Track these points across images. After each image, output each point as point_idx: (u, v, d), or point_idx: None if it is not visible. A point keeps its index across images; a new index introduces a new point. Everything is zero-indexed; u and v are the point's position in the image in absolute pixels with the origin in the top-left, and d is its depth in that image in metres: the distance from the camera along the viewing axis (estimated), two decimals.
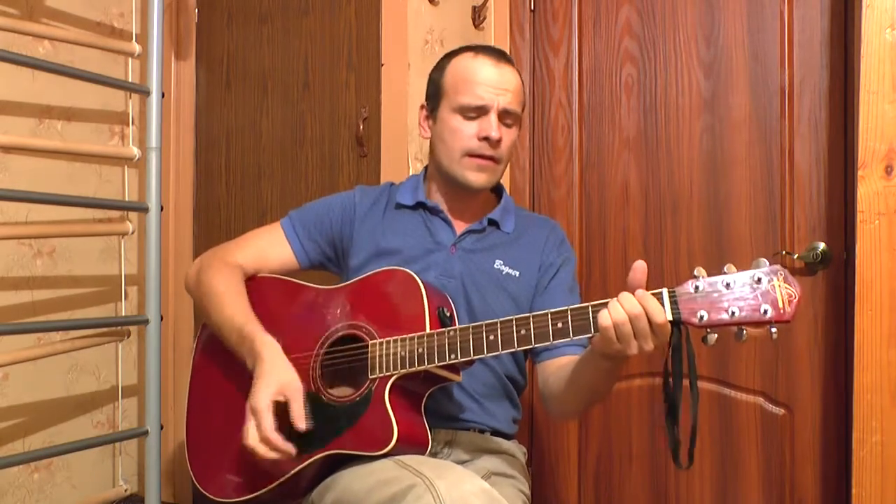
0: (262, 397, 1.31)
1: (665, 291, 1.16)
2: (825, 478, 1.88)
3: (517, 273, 1.52)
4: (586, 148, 2.16)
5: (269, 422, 1.30)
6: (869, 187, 1.53)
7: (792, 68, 1.93)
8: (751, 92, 1.97)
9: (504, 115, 1.48)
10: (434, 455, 1.40)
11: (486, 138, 1.45)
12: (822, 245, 1.88)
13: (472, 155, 1.47)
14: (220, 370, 1.54)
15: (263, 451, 1.30)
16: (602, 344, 1.20)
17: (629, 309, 1.15)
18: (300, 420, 1.31)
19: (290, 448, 1.30)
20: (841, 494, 1.85)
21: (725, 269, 1.15)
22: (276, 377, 1.33)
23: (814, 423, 1.90)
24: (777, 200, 1.94)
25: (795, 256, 1.89)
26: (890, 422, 1.51)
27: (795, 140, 1.92)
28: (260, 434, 1.30)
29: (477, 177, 1.49)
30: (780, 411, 1.93)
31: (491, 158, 1.48)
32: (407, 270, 1.40)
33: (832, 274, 1.88)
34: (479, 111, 1.46)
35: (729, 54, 1.99)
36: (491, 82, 1.46)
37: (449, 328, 1.30)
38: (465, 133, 1.47)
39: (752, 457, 1.95)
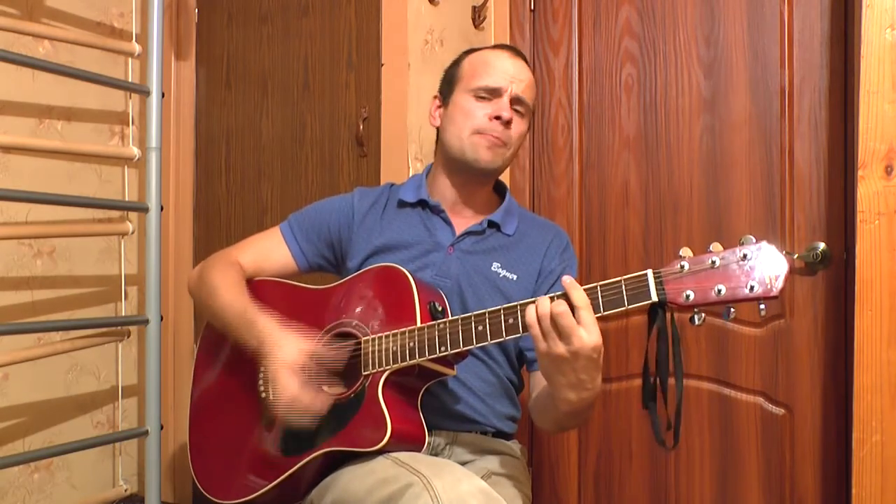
0: (282, 360, 1.33)
1: (650, 272, 1.14)
2: (825, 478, 1.88)
3: (514, 276, 1.52)
4: (586, 148, 2.16)
5: (293, 380, 1.31)
6: (869, 187, 1.53)
7: (792, 68, 1.93)
8: (751, 92, 1.97)
9: (516, 102, 1.51)
10: (435, 455, 1.40)
11: (497, 118, 1.48)
12: (822, 245, 1.88)
13: (481, 133, 1.49)
14: (223, 371, 1.54)
15: (300, 408, 1.31)
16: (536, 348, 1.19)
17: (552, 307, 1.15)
18: (336, 354, 1.36)
19: (323, 399, 1.32)
20: (841, 494, 1.85)
21: (711, 247, 1.13)
22: (289, 344, 1.35)
23: (814, 423, 1.89)
24: (777, 200, 1.94)
25: (795, 256, 1.89)
26: (890, 422, 1.51)
27: (795, 140, 1.92)
28: (288, 394, 1.31)
29: (486, 153, 1.49)
30: (780, 411, 1.93)
31: (500, 140, 1.49)
32: (397, 266, 1.40)
33: (832, 274, 1.88)
34: (493, 93, 1.50)
35: (729, 54, 1.99)
36: (507, 69, 1.51)
37: (439, 321, 1.30)
38: (478, 113, 1.50)
39: (752, 457, 1.95)
